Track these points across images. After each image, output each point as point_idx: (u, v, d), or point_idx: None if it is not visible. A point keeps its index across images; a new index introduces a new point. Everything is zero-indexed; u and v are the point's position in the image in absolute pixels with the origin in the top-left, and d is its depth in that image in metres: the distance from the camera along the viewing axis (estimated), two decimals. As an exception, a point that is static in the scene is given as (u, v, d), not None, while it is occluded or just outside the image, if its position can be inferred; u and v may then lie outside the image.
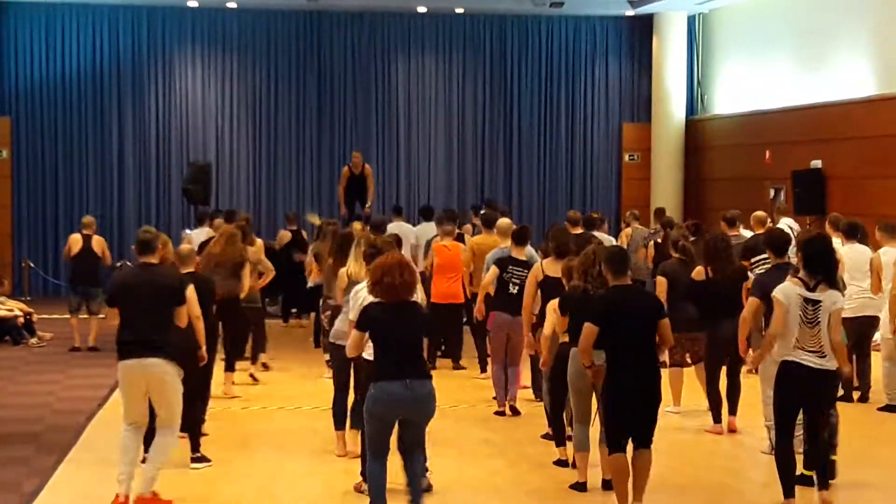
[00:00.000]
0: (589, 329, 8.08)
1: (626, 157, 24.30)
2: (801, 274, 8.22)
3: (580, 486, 9.03)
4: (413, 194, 23.71)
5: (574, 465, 9.34)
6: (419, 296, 8.24)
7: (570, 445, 9.54)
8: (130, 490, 8.38)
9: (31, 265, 22.13)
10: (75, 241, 16.40)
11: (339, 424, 10.01)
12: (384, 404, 7.64)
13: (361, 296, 8.49)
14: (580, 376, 8.75)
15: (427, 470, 8.65)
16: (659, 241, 15.06)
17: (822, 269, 8.16)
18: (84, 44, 22.67)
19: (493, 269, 11.70)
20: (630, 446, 8.17)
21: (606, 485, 8.79)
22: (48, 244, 22.78)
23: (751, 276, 10.95)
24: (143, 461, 9.10)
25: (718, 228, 14.64)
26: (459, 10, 23.35)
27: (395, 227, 16.25)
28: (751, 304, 9.58)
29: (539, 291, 10.67)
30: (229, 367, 12.89)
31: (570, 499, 8.97)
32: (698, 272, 11.06)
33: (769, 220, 15.19)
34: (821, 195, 18.58)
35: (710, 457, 10.41)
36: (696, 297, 10.95)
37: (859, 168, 17.95)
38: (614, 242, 15.73)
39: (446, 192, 23.70)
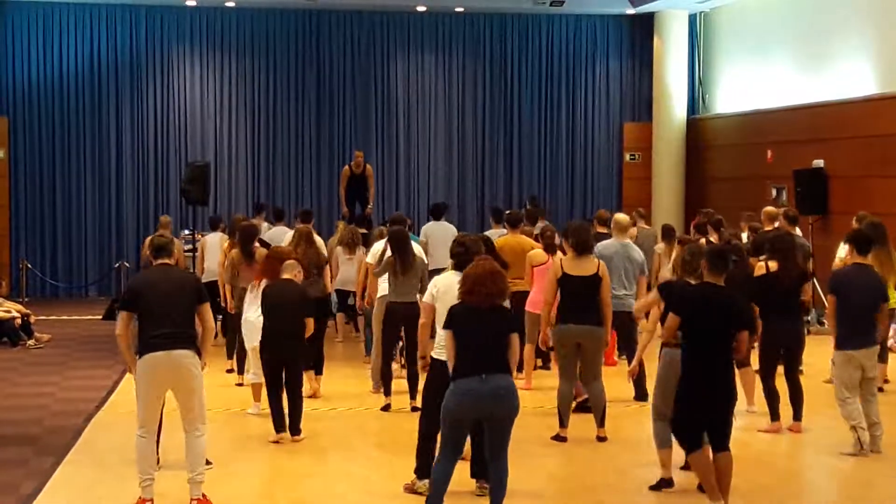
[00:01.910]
0: (672, 319, 8.10)
1: (627, 157, 24.25)
2: None
3: (667, 483, 8.87)
4: (413, 193, 23.67)
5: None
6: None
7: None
8: (153, 495, 8.33)
9: (29, 266, 22.05)
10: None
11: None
12: (460, 399, 7.63)
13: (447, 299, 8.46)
14: (673, 379, 8.54)
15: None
16: (714, 240, 14.98)
17: None
18: (82, 43, 22.60)
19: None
20: (709, 449, 8.17)
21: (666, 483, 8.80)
22: (46, 245, 22.71)
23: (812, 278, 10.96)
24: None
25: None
26: (459, 9, 23.30)
27: (433, 226, 16.24)
28: (830, 302, 9.91)
29: (559, 289, 10.56)
30: (318, 371, 12.87)
31: (567, 499, 8.89)
32: (759, 268, 11.00)
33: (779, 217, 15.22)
34: (822, 194, 18.52)
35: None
36: (755, 293, 10.78)
37: (861, 167, 17.89)
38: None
39: (446, 190, 23.64)
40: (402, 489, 8.86)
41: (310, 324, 10.77)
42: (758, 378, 11.14)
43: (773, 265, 10.88)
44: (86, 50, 22.62)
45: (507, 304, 8.09)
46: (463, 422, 7.75)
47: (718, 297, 8.17)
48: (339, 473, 9.57)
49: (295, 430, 10.69)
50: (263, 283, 11.13)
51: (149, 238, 16.22)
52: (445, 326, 7.89)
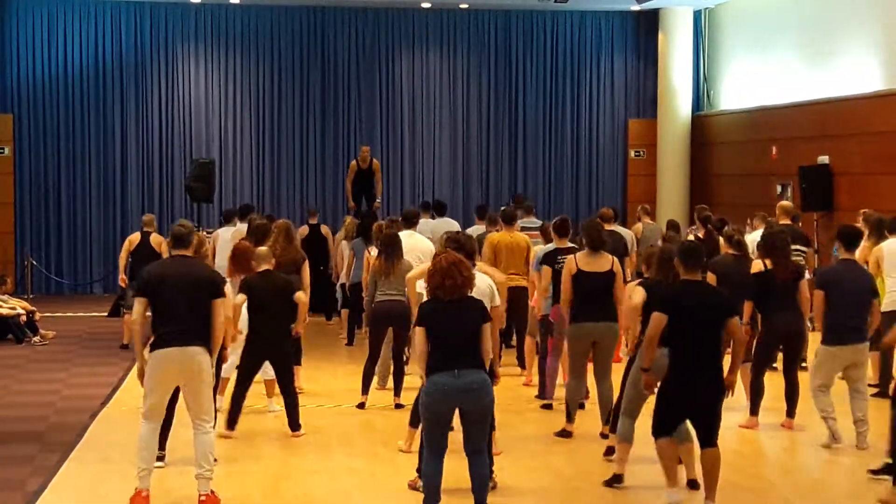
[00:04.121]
0: (657, 318, 8.07)
1: (632, 153, 24.21)
2: None
3: (617, 479, 8.94)
4: (417, 190, 23.63)
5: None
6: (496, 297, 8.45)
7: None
8: (149, 485, 8.33)
9: (34, 263, 22.05)
10: (134, 238, 16.07)
11: (414, 422, 9.87)
12: (434, 395, 7.67)
13: None
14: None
15: (493, 471, 8.56)
16: (700, 235, 15.00)
17: None
18: (86, 40, 22.59)
19: (546, 268, 11.48)
20: (696, 445, 8.20)
21: (693, 484, 8.79)
22: (51, 242, 22.71)
23: (807, 273, 10.94)
24: (158, 458, 9.08)
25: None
26: (464, 6, 23.28)
27: (439, 223, 16.23)
28: (817, 297, 9.85)
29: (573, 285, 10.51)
30: (297, 362, 12.73)
31: (574, 497, 8.89)
32: (756, 266, 10.99)
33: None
34: (828, 191, 18.47)
35: (728, 454, 10.29)
36: (753, 291, 10.82)
37: (866, 164, 17.83)
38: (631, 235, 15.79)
39: (451, 187, 23.62)
40: (406, 486, 8.86)
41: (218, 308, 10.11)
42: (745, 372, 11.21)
43: (768, 262, 10.89)
44: (90, 47, 22.61)
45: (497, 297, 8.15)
46: (439, 417, 7.74)
47: (702, 292, 8.21)
48: (343, 470, 9.58)
49: (295, 426, 10.70)
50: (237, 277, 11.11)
51: (127, 241, 16.32)
52: (418, 324, 7.85)
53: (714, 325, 8.08)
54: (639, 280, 9.28)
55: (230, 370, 11.19)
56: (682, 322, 7.99)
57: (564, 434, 10.59)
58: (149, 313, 8.41)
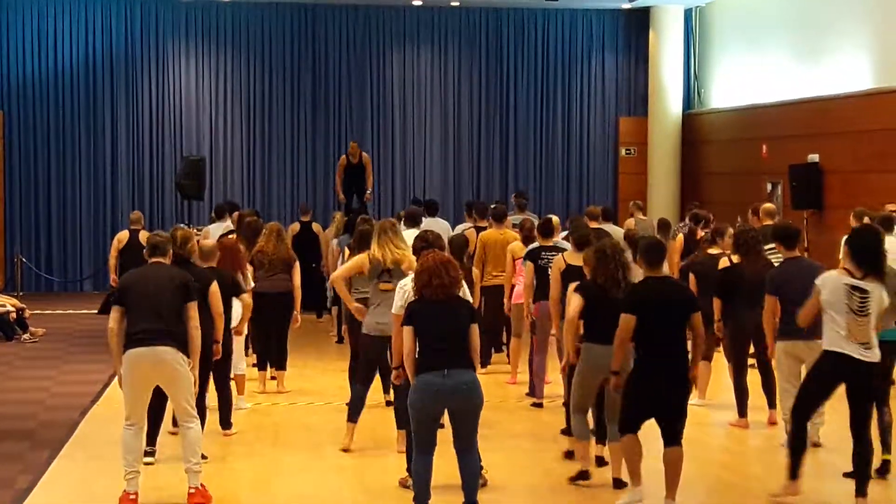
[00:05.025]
0: (626, 320, 8.07)
1: (623, 152, 24.23)
2: (848, 265, 8.23)
3: (584, 475, 8.96)
4: (408, 187, 23.63)
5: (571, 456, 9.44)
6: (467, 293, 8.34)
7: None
8: (139, 487, 8.32)
9: (24, 260, 22.01)
10: (122, 237, 16.40)
11: (352, 416, 10.06)
12: (423, 394, 7.66)
13: (408, 289, 8.25)
14: (593, 374, 8.67)
15: (482, 468, 8.52)
16: (687, 233, 15.03)
17: (870, 261, 8.17)
18: (77, 36, 22.55)
19: (529, 264, 11.58)
20: (653, 443, 8.21)
21: (618, 483, 8.80)
22: (41, 239, 22.66)
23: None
24: (148, 454, 9.07)
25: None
26: (455, 3, 23.28)
27: (429, 222, 16.19)
28: (768, 301, 9.80)
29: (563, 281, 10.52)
30: (282, 366, 12.81)
31: (565, 495, 8.89)
32: (723, 262, 11.04)
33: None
34: (818, 189, 18.50)
35: (718, 452, 10.34)
36: (722, 288, 10.90)
37: (857, 162, 17.86)
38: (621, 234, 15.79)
39: (442, 185, 23.62)
40: (396, 484, 8.86)
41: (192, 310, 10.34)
42: (724, 372, 11.22)
43: (735, 259, 10.93)
44: (81, 43, 22.56)
45: (466, 294, 8.12)
46: (428, 416, 7.76)
47: (667, 288, 8.22)
48: (334, 468, 9.58)
49: (226, 424, 10.66)
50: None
51: (115, 239, 16.53)
52: (405, 323, 7.81)
53: (679, 321, 8.10)
54: (576, 285, 9.07)
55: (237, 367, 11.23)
56: (649, 319, 8.01)
57: (568, 433, 10.57)
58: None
